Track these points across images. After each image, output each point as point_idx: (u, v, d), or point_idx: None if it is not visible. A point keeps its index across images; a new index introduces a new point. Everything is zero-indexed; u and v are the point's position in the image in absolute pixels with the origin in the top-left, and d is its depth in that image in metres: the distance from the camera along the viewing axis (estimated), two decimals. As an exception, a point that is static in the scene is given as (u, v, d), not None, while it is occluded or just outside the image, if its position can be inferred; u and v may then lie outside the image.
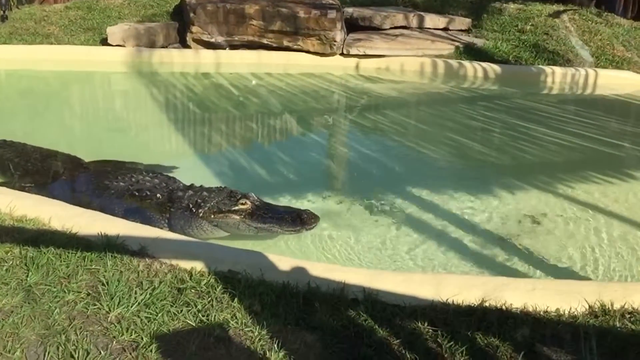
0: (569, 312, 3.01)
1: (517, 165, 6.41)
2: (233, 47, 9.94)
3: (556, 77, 9.46)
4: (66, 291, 3.01)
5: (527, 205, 5.13)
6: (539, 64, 9.78)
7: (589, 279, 4.00)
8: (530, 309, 3.01)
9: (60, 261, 3.26)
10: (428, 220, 4.85)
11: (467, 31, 11.11)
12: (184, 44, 10.09)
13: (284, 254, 4.18)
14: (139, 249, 3.42)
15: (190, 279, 3.16)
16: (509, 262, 4.24)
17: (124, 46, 9.76)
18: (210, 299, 3.00)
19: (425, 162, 6.39)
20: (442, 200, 5.20)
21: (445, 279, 3.24)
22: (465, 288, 3.12)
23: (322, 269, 3.32)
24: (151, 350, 2.62)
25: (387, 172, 6.07)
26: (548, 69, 9.51)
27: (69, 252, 3.33)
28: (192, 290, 3.06)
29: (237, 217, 4.34)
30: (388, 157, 6.60)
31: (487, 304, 3.03)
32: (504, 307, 3.02)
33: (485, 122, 7.82)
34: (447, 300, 3.05)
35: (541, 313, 3.00)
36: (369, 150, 6.80)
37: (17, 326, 2.73)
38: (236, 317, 2.87)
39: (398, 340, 2.77)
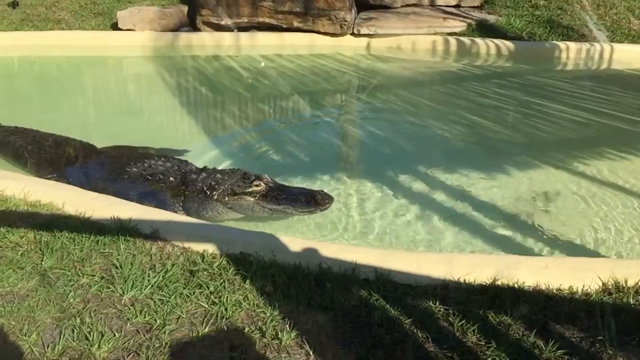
0: (582, 289, 3.00)
1: (531, 143, 6.33)
2: (243, 29, 9.88)
3: (570, 53, 9.28)
4: (80, 275, 3.05)
5: (540, 183, 5.09)
6: (552, 40, 9.61)
7: (603, 256, 3.97)
8: (543, 287, 2.99)
9: (75, 245, 3.30)
10: (440, 200, 4.83)
11: (479, 7, 10.92)
12: (194, 27, 10.05)
13: (297, 235, 4.21)
14: (152, 232, 3.45)
15: (203, 261, 3.19)
16: (521, 240, 4.22)
17: (134, 30, 9.75)
18: (222, 280, 3.02)
19: (437, 142, 6.34)
20: (455, 179, 5.17)
21: (457, 258, 3.23)
22: (477, 267, 3.11)
23: (334, 250, 3.33)
24: (164, 332, 2.65)
25: (400, 152, 6.03)
26: (562, 45, 9.33)
27: (82, 236, 3.38)
28: (205, 273, 3.09)
29: (251, 199, 4.35)
30: (400, 136, 6.55)
31: (499, 283, 3.02)
32: (516, 286, 3.01)
33: (498, 100, 7.72)
34: (458, 279, 3.04)
35: (554, 291, 2.98)
36: (380, 130, 6.75)
37: (33, 310, 2.78)
38: (248, 299, 2.89)
39: (410, 320, 2.77)
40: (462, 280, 3.03)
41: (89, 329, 2.66)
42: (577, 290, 2.99)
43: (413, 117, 7.26)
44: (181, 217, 3.89)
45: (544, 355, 2.57)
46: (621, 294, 2.97)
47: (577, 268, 3.17)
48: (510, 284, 3.02)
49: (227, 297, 2.89)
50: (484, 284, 3.02)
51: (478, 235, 4.25)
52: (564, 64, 9.27)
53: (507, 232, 4.31)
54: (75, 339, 2.61)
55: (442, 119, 7.01)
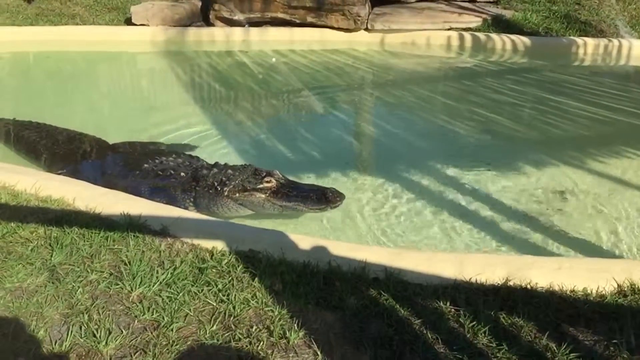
0: (597, 291, 2.94)
1: (547, 141, 6.24)
2: (256, 24, 9.86)
3: (588, 49, 9.13)
4: (89, 271, 3.05)
5: (555, 182, 5.01)
6: (570, 35, 9.46)
7: (619, 258, 3.89)
8: (557, 288, 2.94)
9: (84, 241, 3.30)
10: (453, 198, 4.78)
11: (495, 2, 10.78)
12: (207, 22, 10.04)
13: (308, 232, 4.18)
14: (161, 229, 3.44)
15: (212, 258, 3.17)
16: (535, 240, 4.15)
17: (147, 25, 9.76)
18: (230, 278, 3.00)
19: (451, 139, 6.27)
20: (468, 177, 5.11)
21: (469, 258, 3.18)
22: (489, 267, 3.06)
23: (344, 248, 3.30)
24: (172, 330, 2.64)
25: (412, 149, 5.98)
26: (580, 40, 9.19)
27: (92, 232, 3.38)
28: (213, 270, 3.07)
29: (262, 196, 4.33)
30: (413, 133, 6.50)
31: (511, 283, 2.97)
32: (529, 287, 2.96)
33: (514, 97, 7.62)
34: (470, 279, 2.99)
35: (567, 292, 2.93)
36: (393, 127, 6.70)
37: (41, 305, 2.78)
38: (256, 297, 2.87)
39: (419, 320, 2.73)
40: (473, 280, 2.99)
41: (96, 326, 2.65)
42: (591, 292, 2.93)
43: (426, 114, 7.20)
44: (190, 214, 3.88)
45: (556, 358, 2.52)
46: (637, 296, 2.91)
47: (592, 269, 3.11)
48: (523, 284, 2.97)
49: (235, 295, 2.87)
50: (496, 284, 2.97)
51: (490, 234, 4.19)
52: (581, 60, 9.13)
53: (520, 232, 4.25)
54: (82, 336, 2.61)
55: (456, 116, 6.93)
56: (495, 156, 5.72)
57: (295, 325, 2.68)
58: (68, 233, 3.35)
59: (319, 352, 2.54)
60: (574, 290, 2.93)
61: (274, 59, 9.26)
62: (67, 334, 2.60)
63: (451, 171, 5.24)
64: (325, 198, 4.18)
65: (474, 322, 2.70)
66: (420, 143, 6.19)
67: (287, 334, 2.62)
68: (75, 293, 2.87)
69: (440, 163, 5.41)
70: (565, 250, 4.02)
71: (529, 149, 5.94)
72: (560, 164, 5.42)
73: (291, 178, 4.56)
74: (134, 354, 2.52)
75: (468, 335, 2.65)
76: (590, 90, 7.81)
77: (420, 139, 6.29)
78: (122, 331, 2.64)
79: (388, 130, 6.62)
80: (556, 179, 5.09)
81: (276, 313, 2.76)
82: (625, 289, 2.95)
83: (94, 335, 2.60)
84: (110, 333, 2.61)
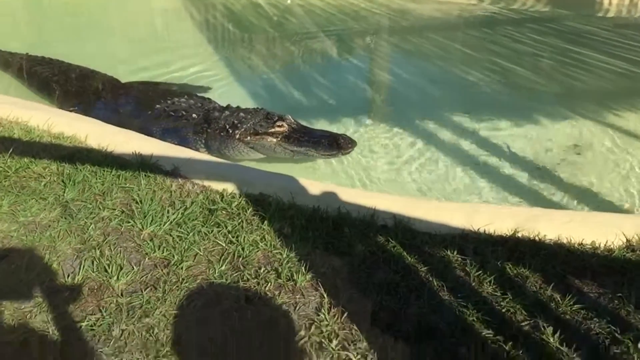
0: (605, 245, 2.93)
1: (566, 93, 6.13)
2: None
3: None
4: (101, 208, 3.08)
5: (571, 135, 4.94)
6: (596, -16, 9.15)
7: (630, 213, 3.87)
8: (565, 241, 2.93)
9: (96, 178, 3.33)
10: (466, 148, 4.74)
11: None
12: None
13: (318, 178, 4.19)
14: (172, 169, 3.45)
15: (222, 200, 3.19)
16: (547, 192, 4.13)
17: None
18: (240, 220, 3.03)
19: (468, 89, 6.17)
20: (483, 128, 5.05)
21: (478, 209, 3.17)
22: (498, 218, 3.05)
23: (354, 195, 3.30)
24: (182, 268, 2.68)
25: (427, 98, 5.90)
26: (606, -10, 8.90)
27: (104, 170, 3.40)
28: (223, 212, 3.10)
29: (274, 140, 4.32)
30: (429, 82, 6.40)
31: (519, 235, 2.97)
32: (537, 239, 2.95)
33: (534, 47, 7.44)
34: (478, 229, 2.99)
35: (575, 245, 2.92)
36: (409, 74, 6.59)
37: (54, 240, 2.83)
38: (265, 240, 2.90)
39: (426, 268, 2.75)
40: (481, 230, 2.99)
41: (108, 262, 2.70)
42: (599, 245, 2.93)
43: (443, 62, 7.07)
44: (202, 156, 3.89)
45: (560, 309, 2.54)
46: (645, 251, 2.90)
47: (602, 223, 3.10)
48: (531, 236, 2.96)
49: (244, 237, 2.89)
50: (504, 235, 2.97)
51: (502, 185, 4.17)
52: (605, 10, 8.85)
53: (532, 184, 4.23)
54: (94, 270, 2.66)
55: (473, 65, 6.80)
56: (512, 107, 5.64)
57: (303, 268, 2.71)
58: (80, 170, 3.37)
59: (325, 295, 2.58)
60: (582, 244, 2.92)
61: (289, 1, 9.06)
62: (80, 268, 2.66)
63: (466, 121, 5.18)
64: (336, 144, 4.16)
65: (480, 272, 2.72)
66: (435, 92, 6.10)
67: (295, 277, 2.66)
68: (88, 229, 2.92)
69: (455, 113, 5.34)
70: (576, 204, 4.00)
71: (546, 100, 5.84)
72: (578, 117, 5.33)
73: (303, 123, 4.53)
74: (145, 289, 2.58)
75: (473, 284, 2.67)
76: (613, 42, 7.60)
77: (436, 88, 6.20)
78: (133, 267, 2.69)
79: (403, 78, 6.52)
80: (572, 131, 5.02)
81: (284, 256, 2.79)
82: (634, 244, 2.94)
83: (106, 271, 2.65)
84: (121, 269, 2.66)
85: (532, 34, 7.90)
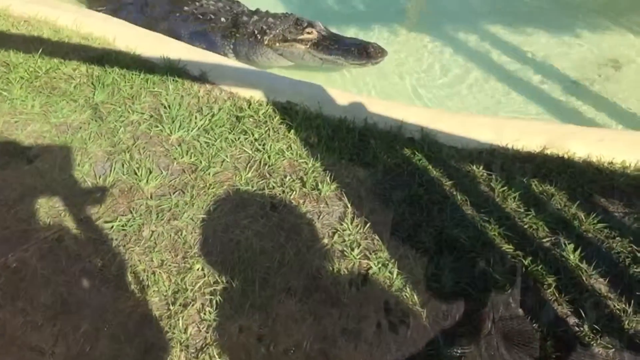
0: (635, 165, 2.87)
1: (609, 3, 5.78)
2: None
3: None
4: (130, 112, 3.11)
5: (611, 49, 4.72)
6: None
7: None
8: (594, 160, 2.88)
9: (125, 82, 3.33)
10: (500, 60, 4.58)
11: None
12: None
13: (346, 87, 4.14)
14: (200, 75, 3.43)
15: (249, 107, 3.18)
16: (580, 109, 4.02)
17: None
18: (267, 128, 3.04)
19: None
20: (518, 39, 4.84)
21: (507, 124, 3.11)
22: (528, 134, 3.00)
23: (381, 106, 3.25)
24: (209, 174, 2.74)
25: (463, 6, 5.62)
26: None
27: (132, 73, 3.40)
28: (250, 119, 3.10)
29: (303, 47, 4.23)
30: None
31: (548, 152, 2.93)
32: (565, 156, 2.91)
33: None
34: (506, 145, 2.96)
35: (605, 164, 2.87)
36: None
37: (85, 142, 2.89)
38: (291, 148, 2.91)
39: (450, 182, 2.76)
40: (510, 146, 2.95)
41: (137, 165, 2.77)
42: (629, 165, 2.88)
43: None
44: (229, 61, 3.84)
45: (583, 227, 2.56)
46: (678, 172, 2.85)
47: (634, 142, 3.03)
48: (560, 154, 2.92)
49: (271, 145, 2.92)
50: (532, 152, 2.94)
51: (534, 100, 4.06)
52: None
53: (565, 99, 4.11)
54: (125, 173, 2.73)
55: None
56: (550, 18, 5.36)
57: (328, 178, 2.74)
58: (109, 73, 3.38)
59: (349, 205, 2.62)
60: (611, 163, 2.88)
61: None
62: (111, 170, 2.73)
63: (502, 32, 4.97)
64: (366, 53, 4.06)
65: (505, 187, 2.72)
66: (474, 1, 5.81)
67: (319, 186, 2.69)
68: (117, 132, 2.96)
69: (492, 22, 5.11)
70: (611, 121, 3.89)
71: (588, 10, 5.52)
72: (620, 30, 5.05)
73: (333, 30, 4.41)
74: (173, 193, 2.65)
75: (497, 199, 2.68)
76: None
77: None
78: (161, 171, 2.76)
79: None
80: (613, 46, 4.78)
81: (310, 165, 2.82)
82: (667, 165, 2.89)
83: (135, 174, 2.72)
84: (150, 172, 2.73)
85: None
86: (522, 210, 2.63)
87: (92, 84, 3.30)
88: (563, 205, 2.66)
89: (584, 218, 2.59)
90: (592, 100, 4.10)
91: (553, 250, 2.45)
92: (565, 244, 2.46)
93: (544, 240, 2.49)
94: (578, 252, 2.42)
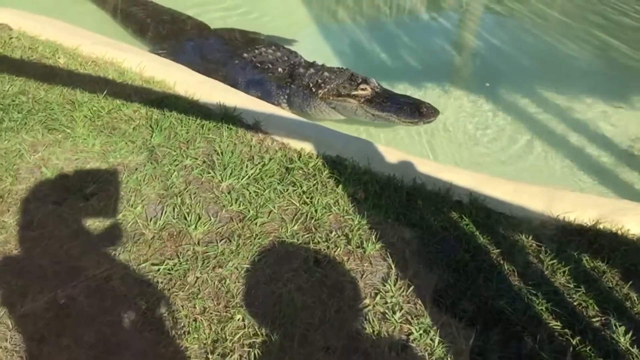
0: (694, 247, 2.77)
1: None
2: None
3: None
4: (185, 156, 3.20)
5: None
6: None
7: None
8: (649, 238, 2.80)
9: (182, 126, 3.44)
10: (553, 126, 4.54)
11: None
12: None
13: (396, 145, 4.16)
14: (253, 123, 3.52)
15: (299, 159, 3.23)
16: (636, 183, 3.92)
17: None
18: (315, 181, 3.07)
19: (561, 61, 5.84)
20: (573, 106, 4.80)
21: (560, 195, 3.06)
22: (580, 207, 2.94)
23: (430, 167, 3.26)
24: (256, 224, 2.77)
25: (518, 69, 5.64)
26: None
27: (189, 118, 3.51)
28: (300, 171, 3.14)
29: (356, 102, 4.30)
30: (521, 51, 6.09)
31: (601, 226, 2.86)
32: (619, 232, 2.84)
33: (639, 20, 6.92)
34: (557, 216, 2.90)
35: (661, 243, 2.79)
36: (500, 41, 6.29)
37: (140, 183, 2.97)
38: (339, 204, 2.93)
39: (498, 250, 2.72)
40: (560, 218, 2.90)
41: (187, 210, 2.83)
42: (687, 247, 2.78)
43: (538, 31, 6.69)
44: (283, 112, 3.92)
45: (635, 309, 2.46)
46: None
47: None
48: (613, 229, 2.85)
49: (318, 198, 2.94)
50: (585, 225, 2.87)
51: (588, 172, 3.99)
52: None
53: (620, 173, 4.02)
54: (175, 217, 2.79)
55: (570, 36, 6.41)
56: (607, 86, 5.30)
57: (373, 236, 2.74)
58: (167, 116, 3.50)
59: (392, 266, 2.61)
60: (668, 242, 2.79)
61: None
62: (162, 214, 2.80)
63: (555, 97, 4.94)
64: (419, 112, 4.10)
65: (555, 261, 2.65)
66: (526, 62, 5.81)
67: (364, 244, 2.69)
68: (171, 176, 3.04)
69: (545, 87, 5.09)
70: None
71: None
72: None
73: (385, 85, 4.48)
74: (220, 240, 2.69)
75: (546, 272, 2.62)
76: None
77: (527, 58, 5.90)
78: (210, 218, 2.80)
79: (493, 45, 6.24)
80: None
81: (356, 222, 2.82)
82: None
83: (185, 218, 2.78)
84: (199, 218, 2.78)
85: (638, 6, 7.33)
86: (571, 285, 2.56)
87: (151, 126, 3.42)
88: (615, 284, 2.58)
89: (636, 299, 2.50)
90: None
91: (603, 332, 2.36)
92: (616, 325, 2.37)
93: (594, 319, 2.41)
94: (629, 335, 2.33)
